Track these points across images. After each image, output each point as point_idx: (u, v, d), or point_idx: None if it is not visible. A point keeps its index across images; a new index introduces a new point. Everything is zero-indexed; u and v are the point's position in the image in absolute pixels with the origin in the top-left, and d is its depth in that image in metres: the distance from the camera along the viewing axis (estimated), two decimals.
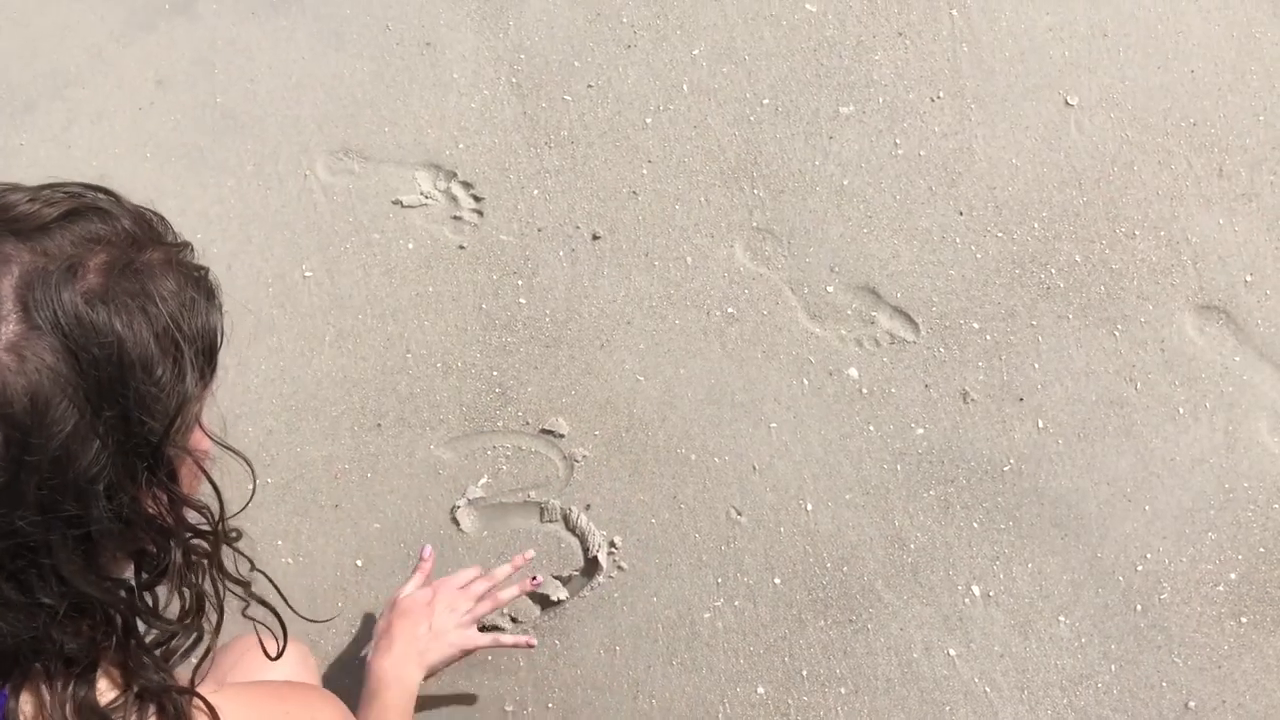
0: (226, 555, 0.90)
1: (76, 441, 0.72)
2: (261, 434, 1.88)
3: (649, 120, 2.11)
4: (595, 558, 1.77)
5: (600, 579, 1.76)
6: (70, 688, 0.76)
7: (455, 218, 2.04)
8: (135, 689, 0.79)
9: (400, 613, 1.53)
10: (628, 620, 1.73)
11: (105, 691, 0.79)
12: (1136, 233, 1.97)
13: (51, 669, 0.76)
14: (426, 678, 1.49)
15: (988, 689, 1.66)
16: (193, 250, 0.89)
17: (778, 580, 1.74)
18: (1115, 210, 2.00)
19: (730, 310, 1.95)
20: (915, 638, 1.69)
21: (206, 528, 0.86)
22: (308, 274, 1.99)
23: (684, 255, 2.00)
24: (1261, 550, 1.73)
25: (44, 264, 0.73)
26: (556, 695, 1.70)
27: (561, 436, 1.85)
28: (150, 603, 0.83)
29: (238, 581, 0.90)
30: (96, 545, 0.76)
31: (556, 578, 1.76)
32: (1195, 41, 2.14)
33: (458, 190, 2.06)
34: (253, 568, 0.92)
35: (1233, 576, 1.71)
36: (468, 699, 1.73)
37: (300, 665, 1.54)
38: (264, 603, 0.93)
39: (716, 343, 1.92)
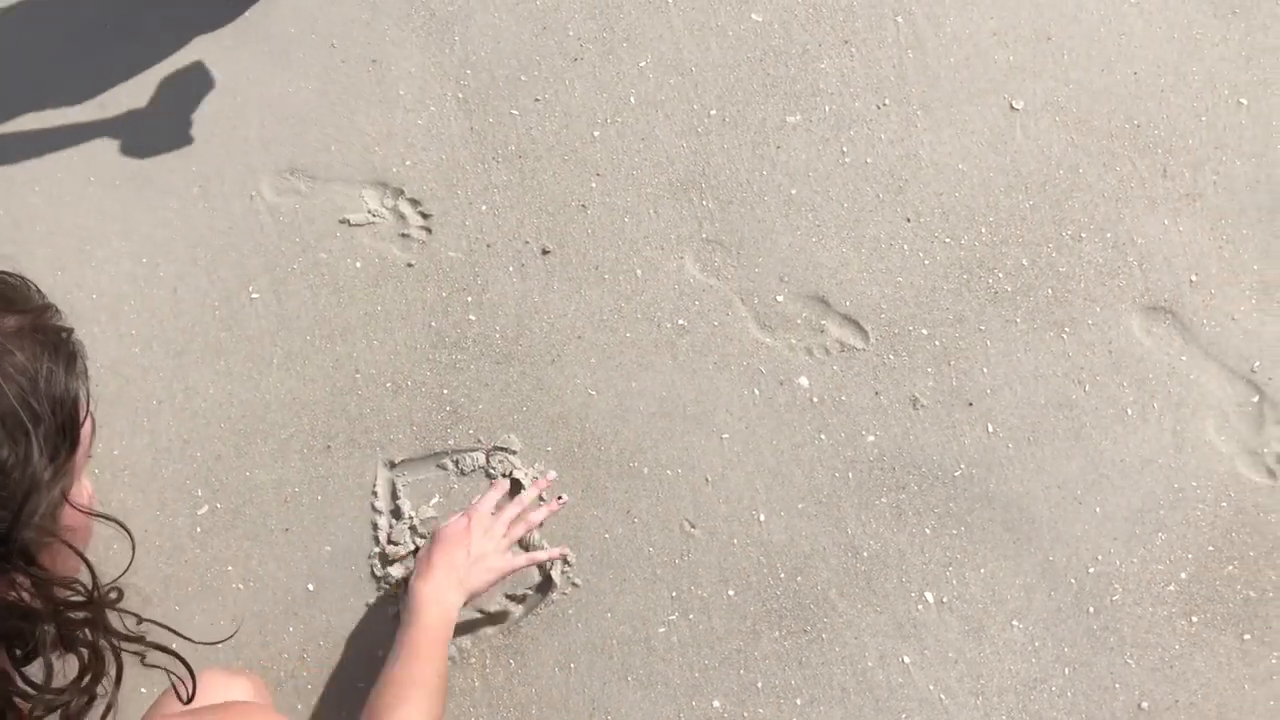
0: (114, 612, 0.86)
1: None
2: (210, 459, 1.86)
3: (597, 133, 2.11)
4: (549, 575, 1.76)
5: (554, 596, 1.75)
6: None
7: (403, 235, 2.02)
8: None
9: (440, 541, 1.58)
10: (582, 637, 1.72)
11: None
12: (1083, 235, 1.99)
13: None
14: (466, 602, 1.54)
15: (942, 696, 1.66)
16: (57, 312, 0.85)
17: (732, 592, 1.74)
18: (1061, 213, 2.01)
19: (681, 322, 1.94)
20: (870, 646, 1.69)
21: (81, 599, 0.82)
22: (255, 295, 1.98)
23: (634, 268, 1.99)
24: (1211, 549, 1.74)
25: None
26: (512, 715, 1.68)
27: (514, 453, 1.84)
28: (31, 679, 0.79)
29: (128, 638, 0.86)
30: None
31: (509, 596, 1.75)
32: (1137, 44, 2.16)
33: (405, 208, 2.05)
34: (140, 621, 0.88)
35: (1183, 576, 1.72)
36: None
37: (255, 696, 1.53)
38: (163, 648, 0.90)
39: (668, 355, 1.92)
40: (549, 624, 1.73)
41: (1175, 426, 1.83)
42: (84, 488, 0.87)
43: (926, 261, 1.97)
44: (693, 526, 1.78)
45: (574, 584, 1.75)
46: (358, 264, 1.99)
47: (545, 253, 2.00)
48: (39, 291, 0.87)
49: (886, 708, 1.66)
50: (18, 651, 0.78)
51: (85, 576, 0.82)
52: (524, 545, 1.75)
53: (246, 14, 2.25)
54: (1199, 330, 1.90)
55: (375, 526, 1.80)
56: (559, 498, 1.74)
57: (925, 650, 1.69)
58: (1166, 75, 2.14)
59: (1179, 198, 2.03)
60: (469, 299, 1.97)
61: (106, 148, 2.13)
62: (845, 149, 2.07)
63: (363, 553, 1.78)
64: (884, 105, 2.12)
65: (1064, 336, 1.90)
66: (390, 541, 1.78)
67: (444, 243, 2.01)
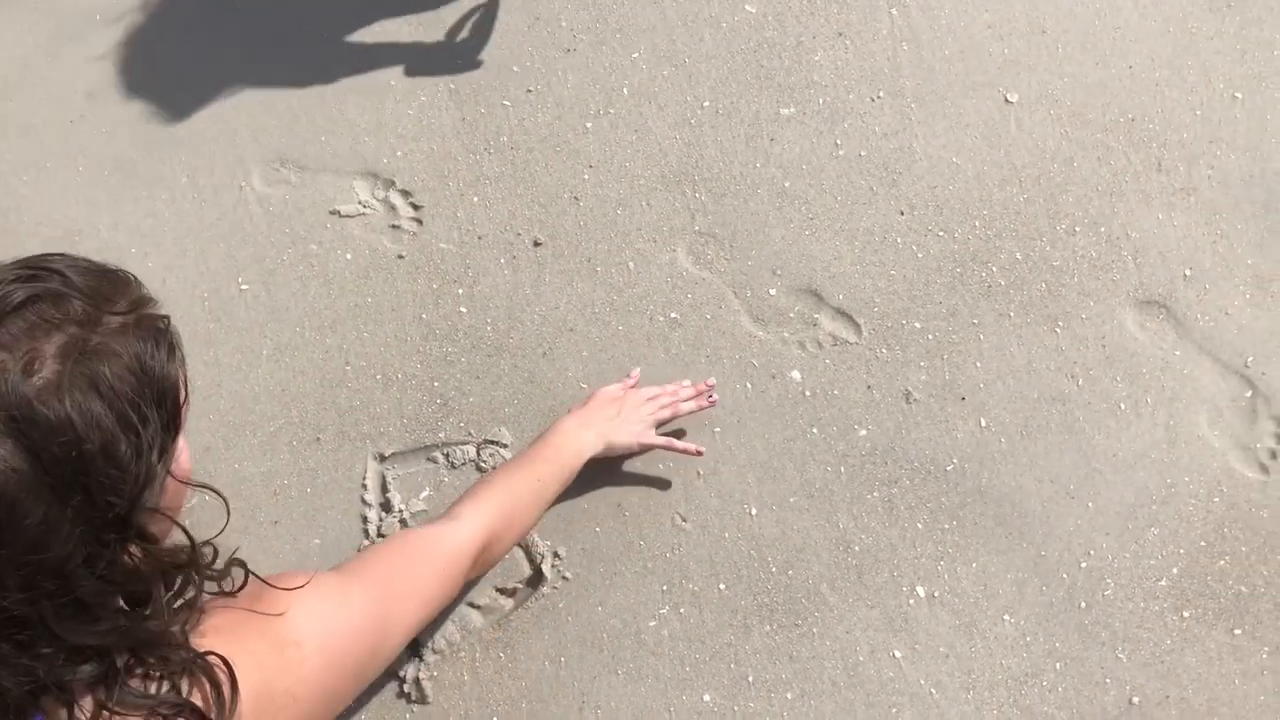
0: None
1: (46, 529, 0.76)
2: (199, 450, 1.84)
3: (589, 125, 2.10)
4: (539, 568, 1.75)
5: (545, 589, 1.74)
6: (104, 698, 0.82)
7: (394, 226, 2.01)
8: (161, 676, 0.86)
9: (598, 396, 1.75)
10: (573, 630, 1.71)
11: (137, 687, 0.85)
12: (1077, 229, 1.98)
13: (78, 692, 0.81)
14: (598, 456, 1.68)
15: (933, 690, 1.65)
16: (154, 302, 0.91)
17: (723, 586, 1.73)
18: (1055, 207, 2.00)
19: (673, 315, 1.93)
20: (861, 640, 1.69)
21: (183, 560, 0.91)
22: (244, 287, 1.96)
23: (626, 260, 1.98)
24: (1203, 544, 1.74)
25: (1, 361, 0.76)
26: (501, 709, 1.68)
27: (505, 446, 1.83)
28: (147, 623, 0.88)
29: (216, 577, 0.96)
30: (85, 603, 0.80)
31: (500, 590, 1.74)
32: (1132, 37, 2.15)
33: (396, 199, 2.04)
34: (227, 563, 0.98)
35: (1175, 571, 1.72)
36: (415, 716, 1.70)
37: None
38: (244, 566, 1.00)
39: (660, 348, 1.91)
40: (539, 617, 1.72)
41: (1168, 421, 1.83)
42: (183, 456, 0.95)
43: (920, 255, 1.96)
44: (684, 520, 1.78)
45: (564, 577, 1.74)
46: (348, 255, 1.98)
47: (537, 245, 1.99)
48: (136, 281, 0.92)
49: (877, 702, 1.65)
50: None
51: (184, 541, 0.91)
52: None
53: (237, 4, 2.23)
54: (1192, 325, 1.90)
55: (365, 520, 1.79)
56: (710, 397, 1.81)
57: (916, 644, 1.68)
58: (1161, 69, 2.13)
59: (1173, 192, 2.02)
60: (460, 291, 1.96)
61: (95, 138, 2.11)
62: (839, 141, 2.06)
63: (352, 546, 1.78)
64: (878, 98, 2.11)
65: (1057, 330, 1.89)
66: (380, 535, 1.77)
67: (435, 234, 2.00)
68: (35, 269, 0.84)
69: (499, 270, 1.97)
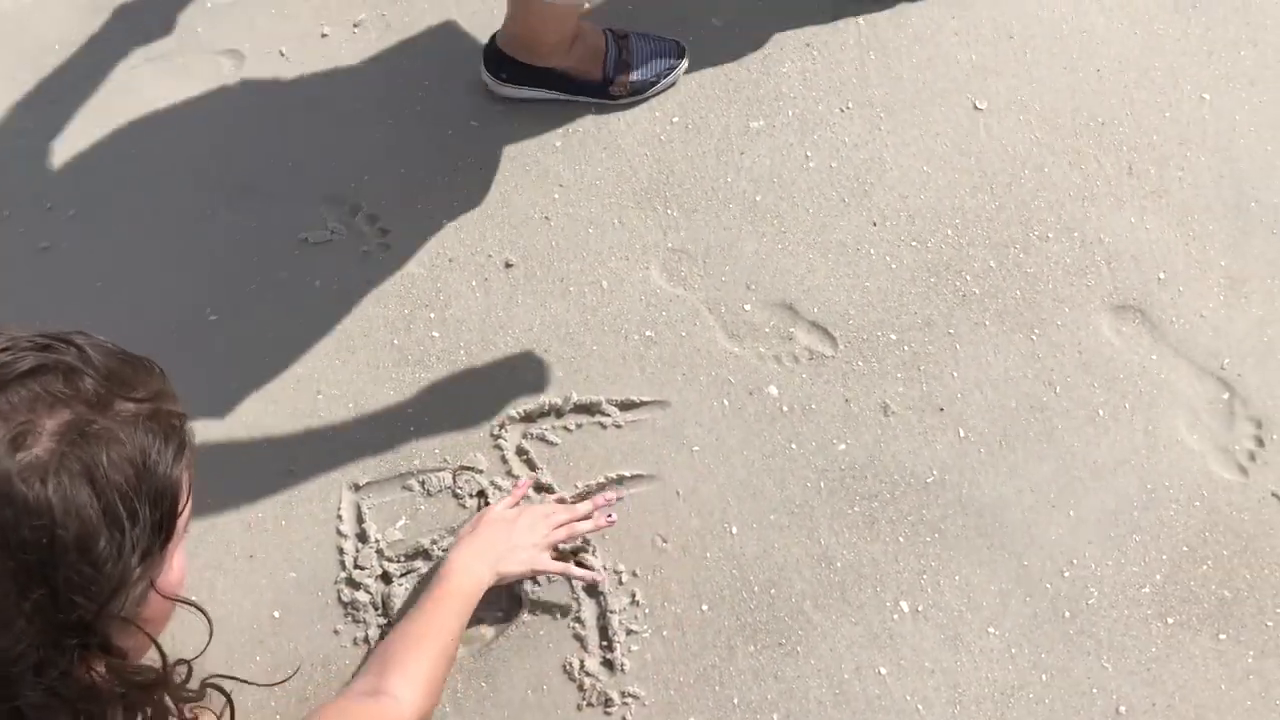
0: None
1: None
2: None
3: (559, 144, 2.08)
4: (518, 597, 1.73)
5: (525, 616, 1.72)
6: None
7: (363, 251, 1.99)
8: None
9: (487, 520, 1.64)
10: (554, 658, 1.69)
11: None
12: (1050, 235, 1.98)
13: None
14: (493, 585, 1.59)
15: (920, 706, 1.64)
16: (173, 398, 0.86)
17: (705, 607, 1.71)
18: (1028, 214, 2.00)
19: (649, 333, 1.92)
20: (845, 658, 1.67)
21: (152, 679, 0.83)
22: (213, 318, 1.94)
23: (600, 279, 1.97)
24: (1185, 549, 1.73)
25: None
26: None
27: (480, 472, 1.81)
28: None
29: (190, 699, 0.88)
30: (23, 716, 0.73)
31: (479, 620, 1.72)
32: (1099, 40, 2.16)
33: (364, 224, 2.01)
34: (203, 682, 0.91)
35: (1158, 577, 1.71)
36: None
37: None
38: (221, 690, 0.93)
39: (636, 367, 1.89)
40: (519, 646, 1.70)
41: (1147, 426, 1.82)
42: (175, 568, 0.88)
43: (893, 265, 1.95)
44: (664, 541, 1.76)
45: (544, 604, 1.72)
46: (317, 283, 1.96)
47: (509, 266, 1.98)
48: (161, 374, 0.87)
49: None
50: None
51: (157, 659, 0.84)
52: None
53: (198, 29, 2.21)
54: (1168, 328, 1.90)
55: (341, 551, 1.76)
56: (609, 516, 1.72)
57: (901, 660, 1.67)
58: (1130, 72, 2.13)
59: (1145, 195, 2.02)
60: (432, 315, 1.94)
61: (58, 174, 2.08)
62: (809, 153, 2.06)
63: (329, 578, 1.75)
64: (847, 108, 2.10)
65: (1033, 338, 1.89)
66: (357, 566, 1.75)
67: (404, 258, 1.98)
68: (53, 340, 0.79)
69: (471, 293, 1.95)
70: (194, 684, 0.89)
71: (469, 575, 1.55)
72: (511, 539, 1.61)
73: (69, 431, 0.75)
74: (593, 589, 1.72)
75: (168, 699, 0.85)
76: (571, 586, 1.72)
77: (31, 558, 0.71)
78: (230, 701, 0.93)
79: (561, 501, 1.77)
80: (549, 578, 1.71)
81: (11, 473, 0.71)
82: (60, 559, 0.72)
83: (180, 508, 0.85)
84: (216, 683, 0.92)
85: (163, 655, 0.83)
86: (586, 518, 1.70)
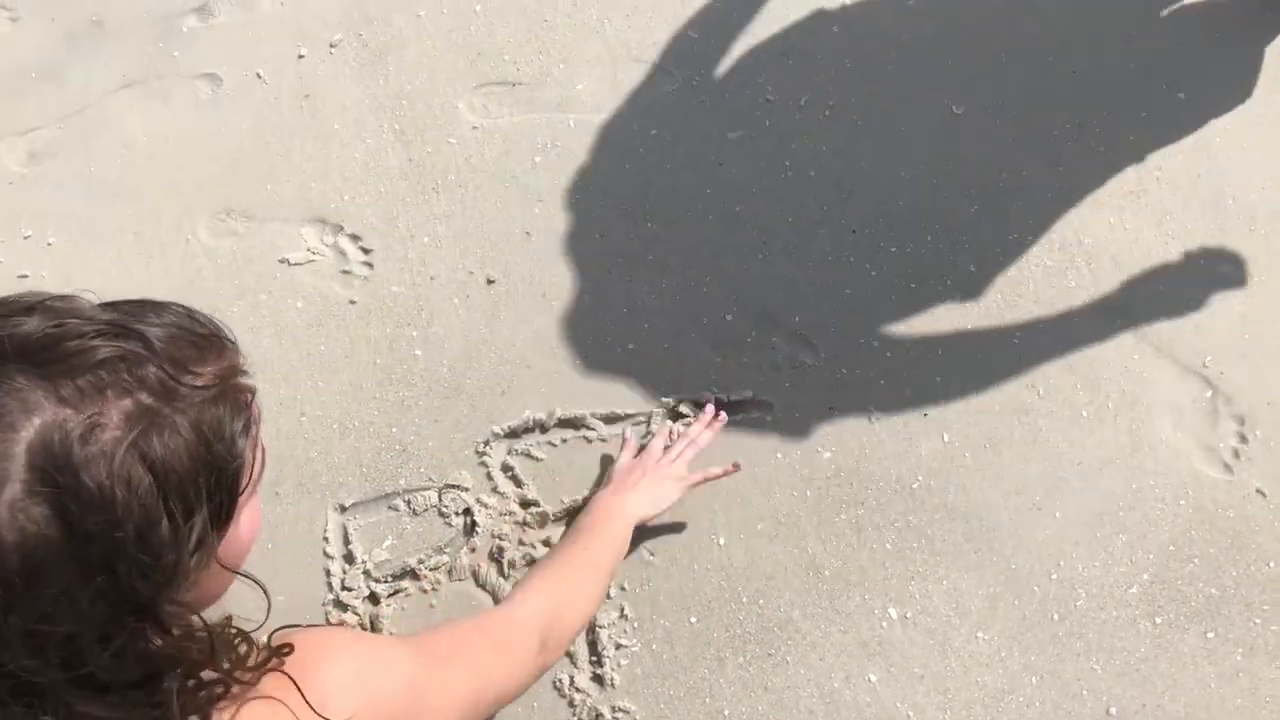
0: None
1: (63, 603, 0.72)
2: None
3: (538, 159, 2.08)
4: None
5: None
6: None
7: (344, 272, 1.99)
8: None
9: (618, 470, 1.73)
10: (545, 674, 1.68)
11: None
12: (1029, 238, 1.98)
13: None
14: (646, 517, 1.66)
15: (910, 712, 1.64)
16: (245, 374, 0.87)
17: (694, 619, 1.71)
18: (1007, 217, 2.00)
19: (631, 346, 1.92)
20: (835, 666, 1.67)
21: (203, 654, 0.85)
22: None
23: (582, 293, 1.97)
24: (1171, 548, 1.73)
25: (62, 420, 0.73)
26: None
27: (466, 490, 1.81)
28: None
29: (245, 667, 0.90)
30: (97, 678, 0.76)
31: None
32: (1074, 42, 2.16)
33: (345, 243, 2.01)
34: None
35: (1145, 577, 1.71)
36: None
37: None
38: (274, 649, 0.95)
39: (620, 381, 1.89)
40: None
41: (1131, 426, 1.82)
42: (244, 531, 0.91)
43: (874, 273, 1.95)
44: (652, 555, 1.76)
45: None
46: (299, 304, 1.96)
47: (490, 282, 1.97)
48: (233, 347, 0.89)
49: None
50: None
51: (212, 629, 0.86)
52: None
53: (174, 53, 2.21)
54: (1149, 327, 1.90)
55: (328, 573, 1.76)
56: (719, 416, 1.80)
57: (891, 667, 1.67)
58: (1104, 72, 2.14)
59: (1123, 195, 2.02)
60: (414, 333, 1.94)
61: (37, 197, 2.08)
62: (788, 162, 2.06)
63: (317, 600, 1.74)
64: (825, 116, 2.10)
65: (1015, 341, 1.89)
66: (344, 587, 1.74)
67: (386, 277, 1.98)
68: (125, 325, 0.80)
69: (453, 310, 1.95)
70: (254, 658, 0.91)
71: (614, 507, 1.63)
72: (650, 472, 1.70)
73: (135, 420, 0.76)
74: None
75: (225, 668, 0.87)
76: None
77: (95, 548, 0.73)
78: (272, 649, 0.95)
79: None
80: None
81: (79, 464, 0.72)
82: (122, 549, 0.74)
83: (241, 489, 0.86)
84: (280, 649, 0.94)
85: (208, 630, 0.84)
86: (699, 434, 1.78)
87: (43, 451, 0.72)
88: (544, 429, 1.85)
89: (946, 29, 2.18)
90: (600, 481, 1.79)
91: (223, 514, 0.84)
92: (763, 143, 2.08)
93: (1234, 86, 2.13)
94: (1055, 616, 1.69)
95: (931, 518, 1.77)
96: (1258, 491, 1.77)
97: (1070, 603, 1.70)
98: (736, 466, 1.75)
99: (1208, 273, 1.95)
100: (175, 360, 0.81)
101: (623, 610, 1.71)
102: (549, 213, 2.03)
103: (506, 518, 1.78)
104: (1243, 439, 1.81)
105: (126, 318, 0.82)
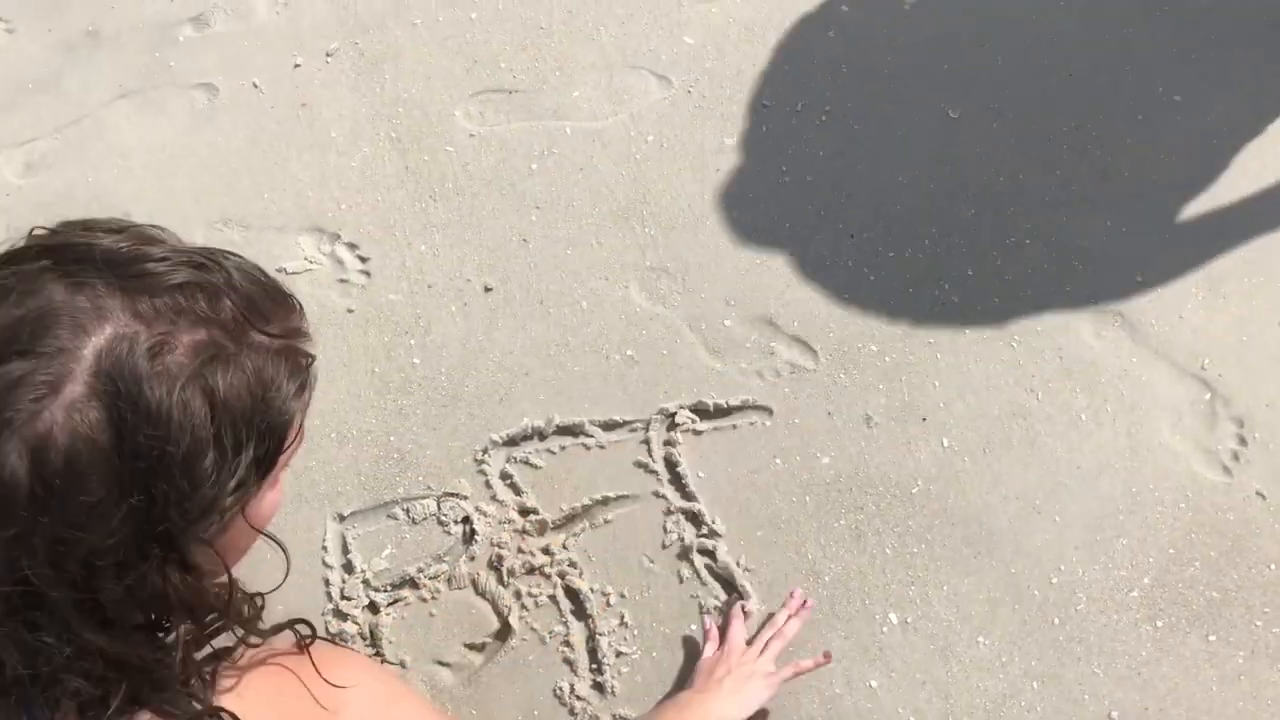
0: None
1: (94, 516, 0.72)
2: None
3: (534, 166, 2.08)
4: (507, 621, 1.72)
5: (513, 642, 1.71)
6: None
7: (342, 280, 1.99)
8: None
9: (702, 670, 1.61)
10: (543, 683, 1.68)
11: None
12: (1026, 242, 1.98)
13: (83, 704, 0.77)
14: None
15: (912, 718, 1.63)
16: (308, 340, 0.88)
17: (694, 627, 1.71)
18: (1004, 220, 2.00)
19: (630, 352, 1.92)
20: (835, 672, 1.67)
21: (219, 604, 0.85)
22: None
23: (579, 300, 1.97)
24: (1171, 551, 1.73)
25: (133, 333, 0.74)
26: None
27: (465, 498, 1.81)
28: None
29: (257, 631, 0.90)
30: (103, 607, 0.76)
31: (468, 646, 1.71)
32: (1071, 44, 2.16)
33: (343, 252, 2.01)
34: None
35: (1146, 581, 1.71)
36: None
37: None
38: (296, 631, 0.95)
39: (618, 387, 1.89)
40: (509, 672, 1.69)
41: (1129, 429, 1.82)
42: (266, 502, 0.90)
43: (872, 277, 1.95)
44: (651, 561, 1.75)
45: (532, 629, 1.72)
46: None
47: (488, 290, 1.97)
48: (301, 311, 0.89)
49: None
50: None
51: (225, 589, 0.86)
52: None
53: (171, 63, 2.21)
54: (1147, 330, 1.90)
55: (328, 583, 1.76)
56: (806, 604, 1.69)
57: (892, 673, 1.66)
58: (1101, 75, 2.14)
59: (1121, 198, 2.02)
60: (412, 342, 1.93)
61: (33, 210, 2.08)
62: (785, 167, 2.06)
63: (316, 610, 1.74)
64: (821, 121, 2.10)
65: (1013, 345, 1.89)
66: (344, 597, 1.74)
67: (384, 286, 1.98)
68: (207, 259, 0.81)
69: (450, 318, 1.95)
70: (267, 623, 0.91)
71: (704, 716, 1.52)
72: (736, 673, 1.58)
73: (202, 351, 0.76)
74: (581, 610, 1.71)
75: (234, 624, 0.88)
76: (559, 610, 1.72)
77: (140, 464, 0.73)
78: (311, 634, 0.95)
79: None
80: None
81: (143, 377, 0.73)
82: (165, 471, 0.74)
83: (286, 445, 0.86)
84: (304, 621, 0.94)
85: (231, 581, 0.85)
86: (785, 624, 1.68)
87: (110, 358, 0.72)
88: (543, 436, 1.85)
89: (942, 32, 2.18)
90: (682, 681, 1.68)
91: (265, 464, 0.84)
92: (759, 148, 2.08)
93: (1231, 89, 2.12)
94: (1056, 621, 1.69)
95: (931, 522, 1.76)
96: (1257, 494, 1.76)
97: (1071, 607, 1.70)
98: (828, 657, 1.65)
99: (1206, 273, 1.94)
100: (251, 304, 0.82)
101: (623, 618, 1.71)
102: (546, 220, 2.03)
103: (506, 526, 1.78)
104: (1242, 441, 1.81)
105: (212, 254, 0.83)
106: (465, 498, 1.81)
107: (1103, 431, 1.82)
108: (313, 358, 0.88)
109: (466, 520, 1.79)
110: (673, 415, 1.84)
